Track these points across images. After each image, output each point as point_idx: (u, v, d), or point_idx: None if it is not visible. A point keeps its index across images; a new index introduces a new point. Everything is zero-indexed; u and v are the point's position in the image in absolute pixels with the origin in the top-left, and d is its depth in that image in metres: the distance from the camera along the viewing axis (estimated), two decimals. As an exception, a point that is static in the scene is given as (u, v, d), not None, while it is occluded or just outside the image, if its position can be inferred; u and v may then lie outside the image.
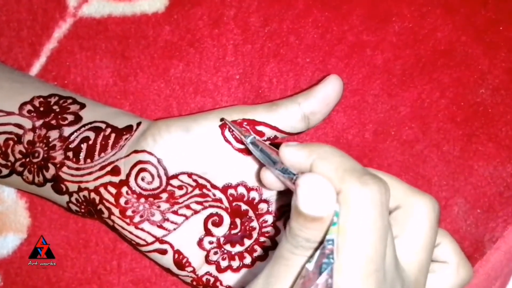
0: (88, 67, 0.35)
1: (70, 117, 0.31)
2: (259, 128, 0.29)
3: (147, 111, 0.35)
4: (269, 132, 0.30)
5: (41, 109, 0.31)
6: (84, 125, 0.30)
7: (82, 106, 0.31)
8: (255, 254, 0.31)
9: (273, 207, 0.31)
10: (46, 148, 0.30)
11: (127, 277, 0.35)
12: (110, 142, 0.30)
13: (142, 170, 0.29)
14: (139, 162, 0.29)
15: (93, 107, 0.32)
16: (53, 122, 0.30)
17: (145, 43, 0.35)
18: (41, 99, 0.31)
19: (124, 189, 0.29)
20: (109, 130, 0.30)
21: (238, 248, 0.31)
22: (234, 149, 0.30)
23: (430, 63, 0.35)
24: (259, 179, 0.29)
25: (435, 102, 0.35)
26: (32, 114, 0.30)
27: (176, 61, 0.35)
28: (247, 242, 0.31)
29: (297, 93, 0.30)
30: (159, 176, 0.29)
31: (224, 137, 0.29)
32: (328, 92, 0.30)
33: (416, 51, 0.35)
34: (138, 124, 0.31)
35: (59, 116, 0.30)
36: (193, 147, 0.29)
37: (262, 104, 0.30)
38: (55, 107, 0.31)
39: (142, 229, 0.30)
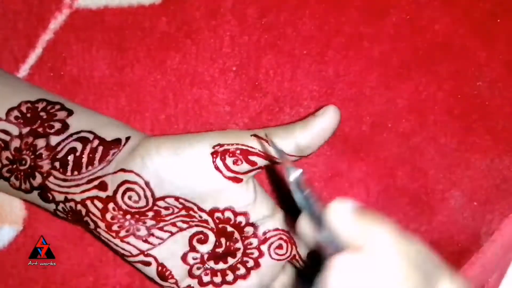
0: (84, 58, 0.35)
1: (57, 125, 0.30)
2: (252, 158, 0.29)
3: (143, 102, 0.35)
4: (261, 162, 0.29)
5: (28, 115, 0.30)
6: (71, 135, 0.30)
7: (70, 112, 0.31)
8: (238, 273, 0.31)
9: (259, 231, 0.31)
10: (33, 156, 0.29)
11: (123, 269, 0.35)
12: (98, 155, 0.29)
13: (129, 189, 0.29)
14: (126, 181, 0.29)
15: (81, 114, 0.31)
16: (40, 129, 0.30)
17: (142, 34, 0.35)
18: (29, 105, 0.30)
19: (111, 205, 0.29)
20: (96, 142, 0.30)
21: (221, 265, 0.31)
22: (224, 177, 0.29)
23: (427, 56, 0.35)
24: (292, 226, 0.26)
25: (432, 94, 0.35)
26: (19, 120, 0.30)
27: (173, 52, 0.35)
28: (231, 261, 0.31)
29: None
30: (145, 197, 0.29)
31: (215, 165, 0.29)
32: (325, 127, 0.29)
33: (413, 43, 0.35)
34: (127, 138, 0.30)
35: (46, 124, 0.30)
36: (182, 172, 0.29)
37: (256, 131, 0.29)
38: (42, 113, 0.30)
39: (127, 243, 0.30)
